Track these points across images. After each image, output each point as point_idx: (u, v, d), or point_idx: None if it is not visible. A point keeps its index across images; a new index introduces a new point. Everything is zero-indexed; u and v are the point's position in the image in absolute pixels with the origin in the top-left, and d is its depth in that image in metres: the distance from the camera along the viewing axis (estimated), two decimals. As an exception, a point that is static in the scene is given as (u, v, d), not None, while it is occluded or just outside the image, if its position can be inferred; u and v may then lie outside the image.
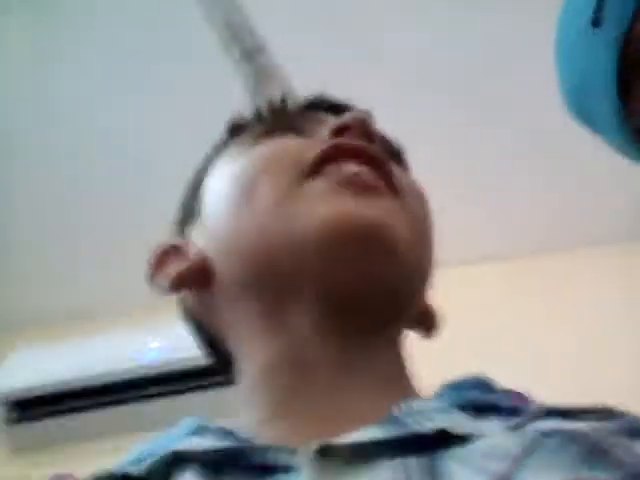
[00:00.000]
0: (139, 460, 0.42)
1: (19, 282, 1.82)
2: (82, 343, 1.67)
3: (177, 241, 0.55)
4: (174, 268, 0.51)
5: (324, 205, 0.45)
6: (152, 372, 1.57)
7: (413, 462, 0.37)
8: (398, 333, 0.51)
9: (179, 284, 0.51)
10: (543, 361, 1.55)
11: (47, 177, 1.68)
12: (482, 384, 0.47)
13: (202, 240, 0.52)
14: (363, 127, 0.50)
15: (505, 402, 0.45)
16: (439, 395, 0.46)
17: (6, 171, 1.67)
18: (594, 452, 0.37)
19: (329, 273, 0.45)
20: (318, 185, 0.47)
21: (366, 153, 0.48)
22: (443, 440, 0.38)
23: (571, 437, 0.37)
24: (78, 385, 1.57)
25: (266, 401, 0.46)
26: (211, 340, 0.54)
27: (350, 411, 0.43)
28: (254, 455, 0.39)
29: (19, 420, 1.58)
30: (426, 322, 0.56)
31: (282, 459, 0.38)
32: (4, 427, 1.58)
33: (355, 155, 0.48)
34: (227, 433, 0.42)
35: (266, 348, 0.47)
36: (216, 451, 0.40)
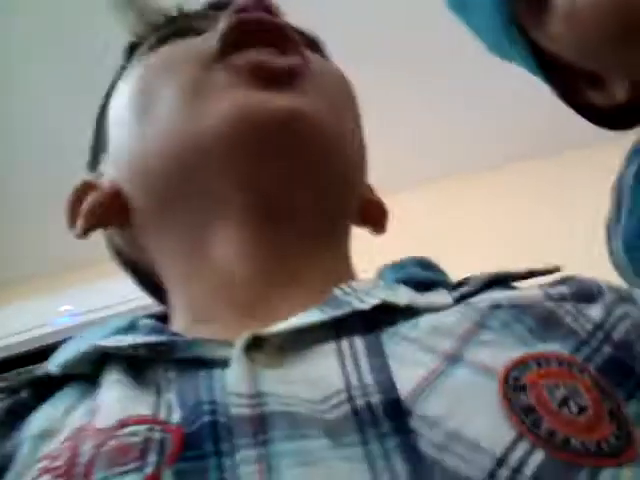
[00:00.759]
0: (63, 359, 0.38)
1: None
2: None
3: (89, 179, 0.50)
4: (86, 206, 0.47)
5: (227, 99, 0.41)
6: (65, 336, 1.53)
7: (358, 342, 0.34)
8: (337, 231, 0.47)
9: (94, 221, 0.47)
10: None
11: None
12: (423, 263, 0.45)
13: (113, 171, 0.48)
14: (263, 5, 0.45)
15: (447, 278, 0.43)
16: (380, 276, 0.44)
17: None
18: (545, 323, 0.35)
19: (245, 174, 0.42)
20: (221, 77, 0.42)
21: (268, 24, 0.44)
22: (388, 317, 0.36)
23: (521, 309, 0.36)
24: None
25: (199, 309, 0.43)
26: (143, 276, 0.51)
27: (287, 307, 0.39)
28: (186, 349, 0.36)
29: None
30: (371, 217, 0.52)
31: (215, 352, 0.35)
32: None
33: (258, 33, 0.44)
34: (157, 330, 0.39)
35: (195, 269, 0.43)
36: (145, 345, 0.36)
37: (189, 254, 0.44)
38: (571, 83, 0.58)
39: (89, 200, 0.48)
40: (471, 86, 1.76)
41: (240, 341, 0.34)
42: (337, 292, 0.38)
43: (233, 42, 0.43)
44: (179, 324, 0.43)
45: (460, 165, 1.92)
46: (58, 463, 0.31)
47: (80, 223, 0.47)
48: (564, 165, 1.87)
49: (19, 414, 0.37)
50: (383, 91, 1.61)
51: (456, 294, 0.39)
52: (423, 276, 0.43)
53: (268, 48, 0.43)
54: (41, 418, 0.36)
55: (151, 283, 0.51)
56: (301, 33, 0.49)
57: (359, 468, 0.28)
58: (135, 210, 0.46)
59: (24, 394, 0.39)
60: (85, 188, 0.49)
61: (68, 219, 0.49)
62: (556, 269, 0.42)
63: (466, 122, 1.86)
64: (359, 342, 0.34)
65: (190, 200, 0.43)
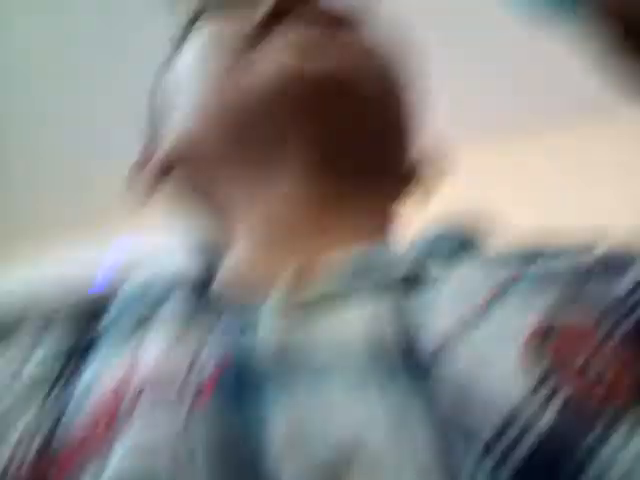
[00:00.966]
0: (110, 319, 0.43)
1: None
2: (32, 264, 1.66)
3: (148, 144, 0.55)
4: (152, 164, 0.53)
5: (268, 62, 0.46)
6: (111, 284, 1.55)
7: (384, 304, 0.36)
8: (383, 184, 0.51)
9: (159, 174, 0.52)
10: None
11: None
12: (461, 228, 0.46)
13: (174, 133, 0.52)
14: None
15: (485, 246, 0.44)
16: (416, 241, 0.45)
17: None
18: (569, 293, 0.36)
19: (294, 129, 0.46)
20: (262, 46, 0.47)
21: (307, 5, 0.48)
22: (413, 285, 0.38)
23: (546, 278, 0.36)
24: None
25: (248, 248, 0.47)
26: (205, 216, 0.55)
27: (329, 246, 0.43)
28: (220, 310, 0.39)
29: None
30: (420, 180, 0.55)
31: (251, 312, 0.38)
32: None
33: (298, 5, 0.48)
34: (197, 291, 0.42)
35: (253, 206, 0.48)
36: (182, 309, 0.40)
37: (251, 190, 0.48)
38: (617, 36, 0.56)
39: (149, 167, 0.53)
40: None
41: (274, 293, 0.37)
42: (368, 257, 0.41)
43: (274, 14, 0.47)
44: (236, 256, 0.47)
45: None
46: (106, 401, 0.35)
47: (146, 180, 0.53)
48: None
49: (78, 357, 0.41)
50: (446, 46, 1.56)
51: (488, 262, 0.40)
52: (458, 243, 0.44)
53: (306, 23, 0.47)
54: (94, 362, 0.39)
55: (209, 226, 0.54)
56: (339, 11, 0.52)
57: (378, 415, 0.30)
58: (198, 159, 0.50)
59: (80, 339, 0.42)
60: (147, 151, 0.54)
61: (131, 187, 0.54)
62: (593, 242, 0.42)
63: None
64: (384, 304, 0.36)
65: (252, 143, 0.47)
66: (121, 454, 0.31)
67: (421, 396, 0.30)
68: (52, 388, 0.39)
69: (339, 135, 0.47)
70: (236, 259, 0.47)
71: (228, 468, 0.30)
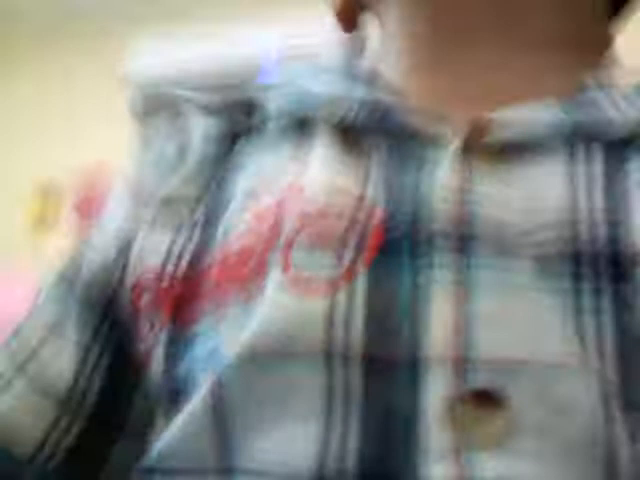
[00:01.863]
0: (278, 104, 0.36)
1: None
2: (204, 35, 1.66)
3: None
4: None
5: None
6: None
7: (598, 161, 0.28)
8: None
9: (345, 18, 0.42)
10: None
11: None
12: None
13: None
14: None
15: None
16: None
17: None
18: None
19: None
20: None
21: None
22: (630, 147, 0.29)
23: None
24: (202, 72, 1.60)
25: (413, 48, 0.36)
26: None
27: (520, 81, 0.33)
28: (399, 115, 0.32)
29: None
30: None
31: (429, 126, 0.31)
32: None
33: None
34: (375, 82, 0.35)
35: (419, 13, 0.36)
36: (361, 105, 0.33)
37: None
38: None
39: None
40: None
41: (459, 127, 0.30)
42: (588, 83, 0.32)
43: None
44: (391, 65, 0.38)
45: None
46: (264, 227, 0.30)
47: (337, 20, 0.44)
48: None
49: (233, 139, 0.36)
50: None
51: None
52: None
53: None
54: (251, 173, 0.34)
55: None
56: None
57: (563, 304, 0.26)
58: None
59: (237, 126, 0.37)
60: None
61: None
62: None
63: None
64: (598, 162, 0.28)
65: None
66: (272, 294, 0.28)
67: (619, 290, 0.25)
68: (215, 171, 0.35)
69: None
70: (397, 69, 0.37)
71: (381, 335, 0.27)
